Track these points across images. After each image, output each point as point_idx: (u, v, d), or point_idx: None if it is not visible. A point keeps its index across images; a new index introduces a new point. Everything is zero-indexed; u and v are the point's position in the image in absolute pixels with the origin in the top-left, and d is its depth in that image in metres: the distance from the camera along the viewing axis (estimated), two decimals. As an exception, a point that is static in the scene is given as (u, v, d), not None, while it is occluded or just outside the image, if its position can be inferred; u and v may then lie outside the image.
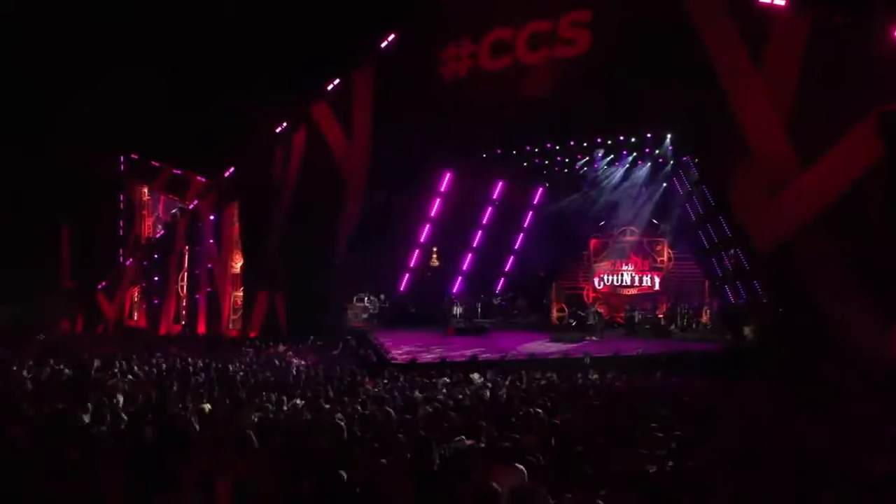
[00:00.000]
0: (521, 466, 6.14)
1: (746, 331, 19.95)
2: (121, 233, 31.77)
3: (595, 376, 13.88)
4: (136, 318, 29.02)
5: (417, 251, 27.26)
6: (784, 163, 15.25)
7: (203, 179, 28.42)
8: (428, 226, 27.18)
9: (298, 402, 9.62)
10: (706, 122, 17.20)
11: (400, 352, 18.24)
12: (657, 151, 23.22)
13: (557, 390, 11.14)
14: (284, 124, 23.94)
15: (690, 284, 25.51)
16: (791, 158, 15.15)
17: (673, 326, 22.76)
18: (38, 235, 29.11)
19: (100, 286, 29.10)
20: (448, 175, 27.04)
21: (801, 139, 14.96)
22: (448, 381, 12.69)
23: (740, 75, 15.73)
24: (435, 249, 26.99)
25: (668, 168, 24.52)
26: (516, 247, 29.90)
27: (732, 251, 22.20)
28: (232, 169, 25.46)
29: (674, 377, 13.44)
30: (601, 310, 25.48)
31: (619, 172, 25.36)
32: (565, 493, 5.95)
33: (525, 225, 29.86)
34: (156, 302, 27.58)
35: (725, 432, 7.28)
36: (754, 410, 8.54)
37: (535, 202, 29.82)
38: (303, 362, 15.92)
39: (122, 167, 31.77)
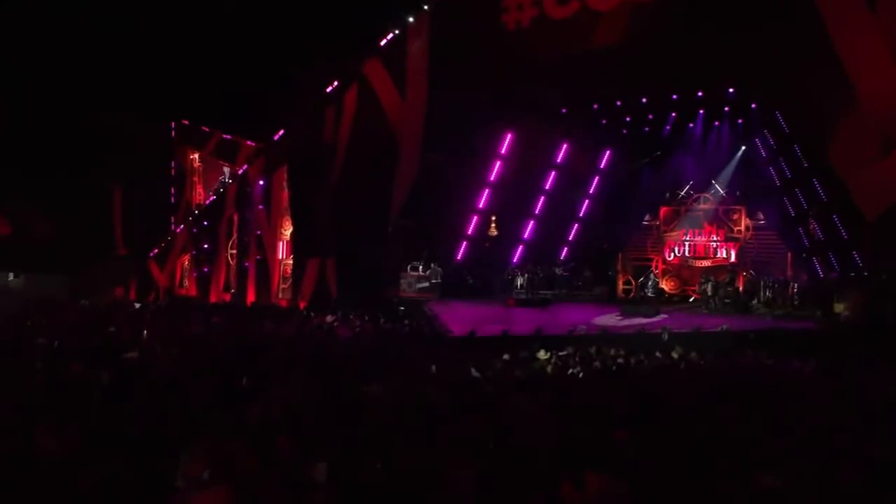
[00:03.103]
0: (614, 474, 4.76)
1: (839, 308, 18.09)
2: (172, 200, 31.24)
3: (676, 355, 12.35)
4: (186, 286, 28.45)
5: (476, 218, 25.80)
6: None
7: (252, 144, 27.51)
8: (487, 191, 25.60)
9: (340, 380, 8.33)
10: (802, 74, 15.24)
11: (457, 324, 16.98)
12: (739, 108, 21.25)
13: (640, 371, 9.63)
14: (335, 83, 22.62)
15: (770, 256, 23.62)
16: (909, 112, 13.17)
17: (755, 301, 20.86)
18: (90, 204, 28.85)
19: (151, 254, 28.60)
20: (509, 136, 25.37)
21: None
22: (511, 357, 11.32)
23: (851, 19, 13.69)
24: (494, 218, 25.56)
25: (751, 127, 22.42)
26: (581, 214, 28.18)
27: (824, 219, 20.16)
28: (281, 132, 24.38)
29: (769, 358, 11.77)
30: (666, 285, 24.24)
31: (695, 133, 23.37)
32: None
33: (591, 191, 28.04)
34: (205, 270, 26.89)
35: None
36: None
37: (602, 166, 27.96)
38: (350, 334, 14.73)
39: (172, 133, 31.16)
